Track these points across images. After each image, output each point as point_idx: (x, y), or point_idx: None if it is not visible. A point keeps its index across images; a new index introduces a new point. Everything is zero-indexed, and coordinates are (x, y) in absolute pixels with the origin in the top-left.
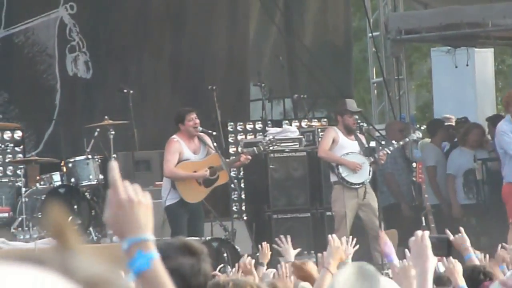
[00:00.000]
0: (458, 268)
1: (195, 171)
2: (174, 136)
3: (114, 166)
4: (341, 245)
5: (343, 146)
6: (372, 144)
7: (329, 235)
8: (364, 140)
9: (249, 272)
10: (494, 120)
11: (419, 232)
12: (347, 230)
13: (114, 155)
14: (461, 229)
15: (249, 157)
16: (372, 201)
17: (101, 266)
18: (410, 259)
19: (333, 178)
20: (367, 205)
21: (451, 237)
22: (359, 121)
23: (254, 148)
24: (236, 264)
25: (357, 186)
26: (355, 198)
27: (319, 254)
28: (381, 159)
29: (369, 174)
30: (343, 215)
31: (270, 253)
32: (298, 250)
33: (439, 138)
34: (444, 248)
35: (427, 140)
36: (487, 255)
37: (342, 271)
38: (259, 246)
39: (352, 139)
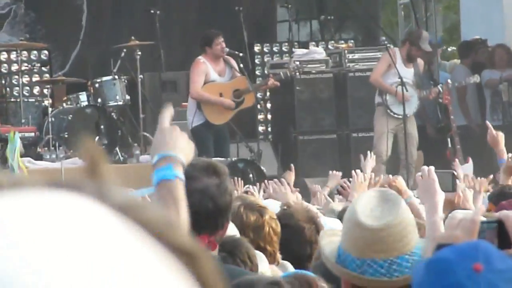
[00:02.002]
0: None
1: (221, 93)
2: (200, 57)
3: (169, 107)
4: (365, 181)
5: (398, 73)
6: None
7: (353, 171)
8: (421, 68)
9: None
10: None
11: (425, 168)
12: (386, 148)
13: (141, 76)
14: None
15: (277, 82)
16: (412, 130)
17: (130, 195)
18: (418, 194)
19: (377, 99)
20: (407, 133)
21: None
22: (386, 42)
23: (281, 72)
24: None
25: (400, 116)
26: (397, 122)
27: (330, 172)
28: (431, 96)
29: (415, 108)
30: (383, 133)
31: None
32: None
33: (469, 60)
34: (448, 184)
35: (457, 61)
36: None
37: (364, 194)
38: (288, 170)
39: (409, 67)
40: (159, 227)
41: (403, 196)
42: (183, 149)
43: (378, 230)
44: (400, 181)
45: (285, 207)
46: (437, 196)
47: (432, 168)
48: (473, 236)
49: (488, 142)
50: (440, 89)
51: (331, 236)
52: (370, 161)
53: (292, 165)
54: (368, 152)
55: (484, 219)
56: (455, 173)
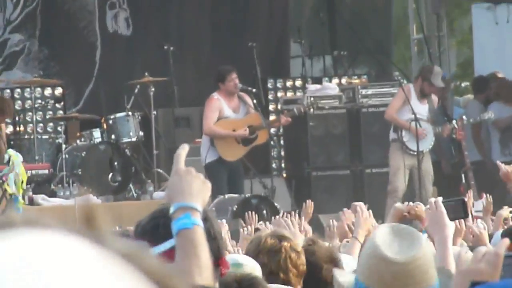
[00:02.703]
0: None
1: (234, 130)
2: (214, 93)
3: (185, 147)
4: (369, 216)
5: (412, 109)
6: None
7: (355, 204)
8: (435, 104)
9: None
10: None
11: (432, 200)
12: (403, 183)
13: (154, 112)
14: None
15: (289, 119)
16: (428, 166)
17: (130, 243)
18: (428, 228)
19: (392, 136)
20: (423, 169)
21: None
22: (399, 77)
23: (295, 109)
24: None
25: (415, 153)
26: (412, 158)
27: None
28: (445, 133)
29: (430, 144)
30: (398, 169)
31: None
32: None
33: (483, 95)
34: (459, 211)
35: (471, 96)
36: None
37: (378, 230)
38: (304, 203)
39: (424, 103)
40: (159, 274)
41: (423, 223)
42: (199, 193)
43: (406, 264)
44: (421, 208)
45: (310, 243)
46: (447, 229)
47: (439, 199)
48: (497, 269)
49: (501, 177)
50: (455, 125)
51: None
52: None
53: (309, 201)
54: (357, 206)
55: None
56: (465, 199)
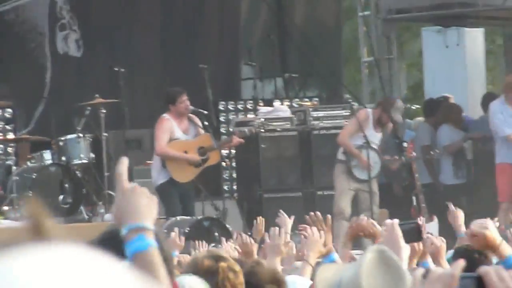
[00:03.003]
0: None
1: (185, 151)
2: (165, 114)
3: (124, 161)
4: (320, 238)
5: (366, 138)
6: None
7: (305, 228)
8: (389, 131)
9: (249, 249)
10: (486, 100)
11: (388, 222)
12: (349, 205)
13: (105, 134)
14: (451, 205)
15: (241, 140)
16: (374, 187)
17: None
18: None
19: (339, 156)
20: (367, 191)
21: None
22: (350, 100)
23: (246, 129)
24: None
25: (361, 178)
26: (358, 183)
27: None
28: (393, 167)
29: (376, 173)
30: (343, 191)
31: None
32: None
33: (434, 118)
34: (414, 234)
35: (421, 119)
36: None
37: (363, 258)
38: (254, 220)
39: (378, 131)
40: None
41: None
42: (148, 211)
43: None
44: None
45: (253, 265)
46: (402, 251)
47: (396, 221)
48: None
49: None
50: (404, 159)
51: (325, 275)
52: (286, 220)
53: (259, 217)
54: (308, 229)
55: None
56: (420, 223)
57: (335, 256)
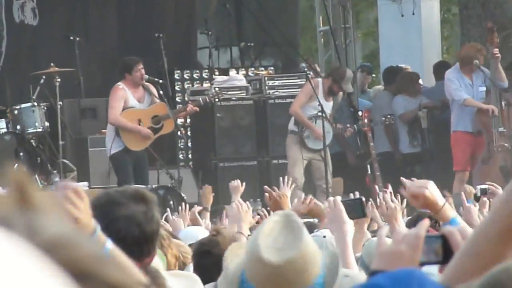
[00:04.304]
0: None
1: (139, 119)
2: (119, 83)
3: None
4: (248, 209)
5: (317, 106)
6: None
7: (231, 204)
8: (340, 99)
9: (195, 221)
10: (439, 67)
11: (331, 199)
12: (302, 174)
13: (60, 103)
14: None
15: (196, 108)
16: (327, 157)
17: (65, 225)
18: (327, 225)
19: (291, 127)
20: (320, 160)
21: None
22: (306, 69)
23: (200, 98)
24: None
25: (314, 148)
26: (310, 152)
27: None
28: (346, 134)
29: (329, 142)
30: (297, 160)
31: (212, 195)
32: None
33: (393, 86)
34: (358, 210)
35: (380, 87)
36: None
37: (268, 220)
38: (200, 189)
39: (329, 100)
40: (91, 264)
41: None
42: (85, 214)
43: (279, 267)
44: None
45: (214, 233)
46: (345, 226)
47: (338, 198)
48: (418, 250)
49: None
50: (356, 128)
51: (236, 252)
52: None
53: (206, 185)
54: (233, 203)
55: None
56: (363, 199)
57: None
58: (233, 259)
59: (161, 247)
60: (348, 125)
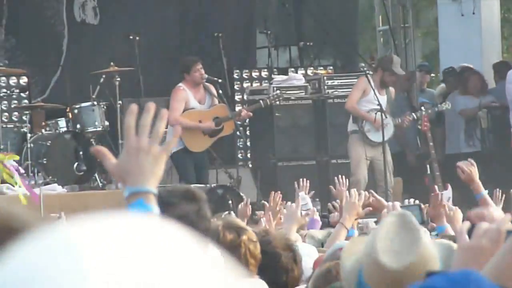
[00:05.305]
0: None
1: (200, 121)
2: (180, 84)
3: (133, 110)
4: (358, 201)
5: (372, 100)
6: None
7: (347, 192)
8: (393, 95)
9: (247, 217)
10: (499, 67)
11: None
12: (365, 174)
13: (120, 102)
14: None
15: (250, 113)
16: (388, 156)
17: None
18: None
19: (351, 127)
20: (383, 159)
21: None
22: (365, 69)
23: (261, 101)
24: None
25: (377, 143)
26: (373, 149)
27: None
28: (405, 123)
29: (391, 134)
30: (360, 160)
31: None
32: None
33: (456, 86)
34: (417, 216)
35: (443, 86)
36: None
37: (383, 223)
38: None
39: (383, 94)
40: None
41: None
42: (151, 171)
43: (398, 271)
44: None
45: (263, 234)
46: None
47: (397, 204)
48: (499, 245)
49: (462, 178)
50: (414, 116)
51: (354, 249)
52: (343, 188)
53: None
54: (348, 192)
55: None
56: (422, 206)
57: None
58: (350, 257)
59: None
60: (408, 113)
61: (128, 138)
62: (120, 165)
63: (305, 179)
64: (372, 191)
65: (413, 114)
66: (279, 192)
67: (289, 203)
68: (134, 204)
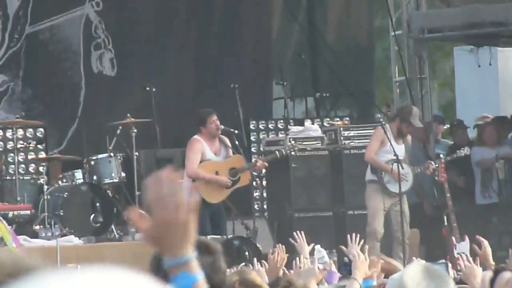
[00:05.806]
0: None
1: (216, 172)
2: (196, 136)
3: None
4: (366, 260)
5: (390, 150)
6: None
7: (357, 251)
8: (410, 142)
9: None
10: None
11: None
12: (382, 225)
13: (136, 153)
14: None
15: (266, 164)
16: (405, 207)
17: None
18: None
19: (369, 177)
20: (400, 210)
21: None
22: (382, 119)
23: (276, 152)
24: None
25: (395, 194)
26: (392, 200)
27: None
28: (428, 171)
29: (410, 185)
30: (378, 211)
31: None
32: (312, 245)
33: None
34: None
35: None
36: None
37: (410, 268)
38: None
39: (400, 143)
40: None
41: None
42: (187, 237)
43: None
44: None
45: (286, 284)
46: None
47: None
48: None
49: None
50: (434, 165)
51: None
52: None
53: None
54: (354, 252)
55: None
56: (449, 264)
57: (374, 282)
58: None
59: None
60: (430, 163)
61: (162, 207)
62: (152, 236)
63: (301, 232)
64: (383, 255)
65: (431, 163)
66: (283, 246)
67: (301, 257)
68: (180, 277)
